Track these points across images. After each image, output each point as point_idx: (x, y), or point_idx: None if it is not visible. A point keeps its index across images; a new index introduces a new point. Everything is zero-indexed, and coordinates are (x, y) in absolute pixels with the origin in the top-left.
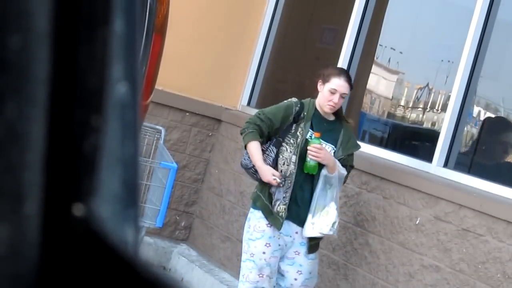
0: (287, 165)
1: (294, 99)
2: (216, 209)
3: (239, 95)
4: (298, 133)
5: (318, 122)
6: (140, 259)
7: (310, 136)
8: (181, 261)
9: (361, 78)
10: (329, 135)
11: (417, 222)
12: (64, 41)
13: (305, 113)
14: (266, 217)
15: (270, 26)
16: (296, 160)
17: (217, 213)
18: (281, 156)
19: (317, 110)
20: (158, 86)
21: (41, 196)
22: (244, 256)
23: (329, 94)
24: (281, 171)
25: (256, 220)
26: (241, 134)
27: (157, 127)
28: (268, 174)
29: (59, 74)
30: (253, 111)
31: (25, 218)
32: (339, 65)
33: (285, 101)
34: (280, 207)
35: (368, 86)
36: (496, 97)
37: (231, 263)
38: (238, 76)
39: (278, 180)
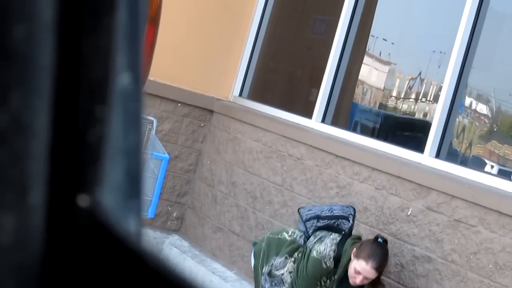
0: None
1: (327, 255)
2: (208, 200)
3: (231, 86)
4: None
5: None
6: (146, 250)
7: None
8: (173, 251)
9: (352, 68)
10: None
11: (409, 213)
12: (69, 31)
13: (337, 270)
14: None
15: (262, 16)
16: None
17: (209, 203)
18: None
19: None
20: (150, 76)
21: (45, 186)
22: None
23: (354, 271)
24: None
25: None
26: None
27: (149, 117)
28: None
29: (63, 64)
30: (245, 102)
31: (30, 208)
32: (331, 56)
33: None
34: None
35: (360, 77)
36: (488, 87)
37: (222, 253)
38: (230, 66)
39: None
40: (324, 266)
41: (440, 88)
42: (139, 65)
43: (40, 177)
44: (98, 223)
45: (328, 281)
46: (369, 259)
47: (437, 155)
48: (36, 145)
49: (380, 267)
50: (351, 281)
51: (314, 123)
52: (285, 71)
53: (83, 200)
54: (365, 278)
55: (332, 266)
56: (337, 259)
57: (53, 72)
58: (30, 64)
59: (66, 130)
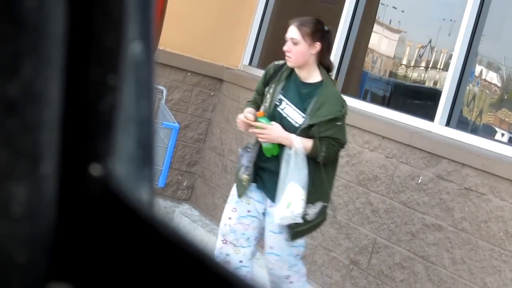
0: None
1: (276, 62)
2: (218, 169)
3: (240, 55)
4: (267, 96)
5: (292, 85)
6: (158, 218)
7: (279, 100)
8: (184, 220)
9: (362, 37)
10: (300, 100)
11: (419, 181)
12: (80, 1)
13: (279, 75)
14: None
15: None
16: None
17: (219, 172)
18: None
19: (295, 71)
20: (160, 46)
21: (58, 156)
22: None
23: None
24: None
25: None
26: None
27: (159, 87)
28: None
29: (75, 33)
30: (255, 71)
31: (42, 178)
32: (341, 25)
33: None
34: (243, 174)
35: (369, 45)
36: (498, 55)
37: None
38: (239, 35)
39: (244, 120)
40: None
41: (450, 56)
42: (150, 34)
43: (52, 147)
44: (110, 192)
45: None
46: (293, 20)
47: (447, 123)
48: (48, 114)
49: (302, 25)
50: (288, 62)
51: None
52: None
53: (95, 170)
54: (292, 43)
55: None
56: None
57: (64, 41)
58: (41, 33)
59: (77, 100)
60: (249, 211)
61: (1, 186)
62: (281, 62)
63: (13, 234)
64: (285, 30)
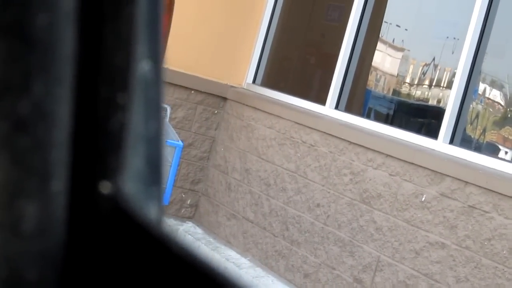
0: None
1: None
2: (222, 187)
3: (244, 73)
4: None
5: None
6: (167, 236)
7: None
8: (187, 239)
9: (366, 55)
10: None
11: (422, 199)
12: (90, 19)
13: None
14: None
15: (275, 3)
16: None
17: (222, 190)
18: None
19: None
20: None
21: (67, 173)
22: None
23: None
24: None
25: None
26: None
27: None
28: None
29: (85, 52)
30: (258, 89)
31: (52, 196)
32: (344, 42)
33: None
34: None
35: (373, 63)
36: (502, 73)
37: (237, 240)
38: (243, 53)
39: None
40: None
41: (453, 74)
42: (159, 53)
43: (62, 164)
44: (119, 210)
45: None
46: None
47: (451, 141)
48: (58, 132)
49: None
50: None
51: (328, 109)
52: (299, 57)
53: (105, 187)
54: None
55: None
56: None
57: (74, 60)
58: (51, 52)
59: (87, 118)
60: None
61: (11, 203)
62: None
63: (24, 252)
64: (289, 48)
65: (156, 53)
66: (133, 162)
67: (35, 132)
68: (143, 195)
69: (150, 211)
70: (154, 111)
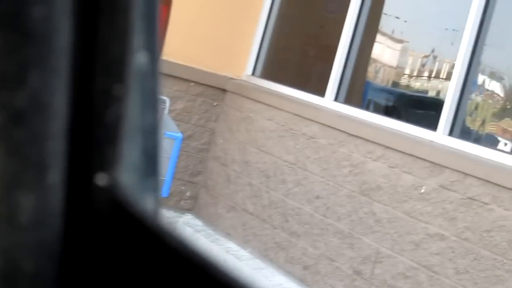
0: None
1: None
2: (221, 179)
3: (243, 65)
4: None
5: None
6: (164, 228)
7: None
8: (187, 231)
9: (365, 47)
10: None
11: (422, 191)
12: (86, 11)
13: None
14: None
15: None
16: None
17: (222, 182)
18: None
19: None
20: (163, 56)
21: (64, 165)
22: None
23: None
24: None
25: None
26: None
27: (162, 97)
28: None
29: (81, 44)
30: (258, 81)
31: (49, 188)
32: (344, 34)
33: None
34: None
35: (372, 55)
36: (501, 65)
37: (236, 232)
38: (242, 45)
39: None
40: None
41: (453, 66)
42: (155, 44)
43: (59, 156)
44: (116, 202)
45: None
46: None
47: (450, 133)
48: (54, 124)
49: None
50: None
51: (327, 101)
52: (298, 49)
53: (101, 179)
54: None
55: None
56: None
57: (70, 52)
58: (48, 44)
59: (84, 110)
60: None
61: (8, 195)
62: None
63: (20, 243)
64: (288, 40)
65: (153, 44)
66: (130, 153)
67: (31, 123)
68: (140, 186)
69: (147, 203)
70: (151, 103)
